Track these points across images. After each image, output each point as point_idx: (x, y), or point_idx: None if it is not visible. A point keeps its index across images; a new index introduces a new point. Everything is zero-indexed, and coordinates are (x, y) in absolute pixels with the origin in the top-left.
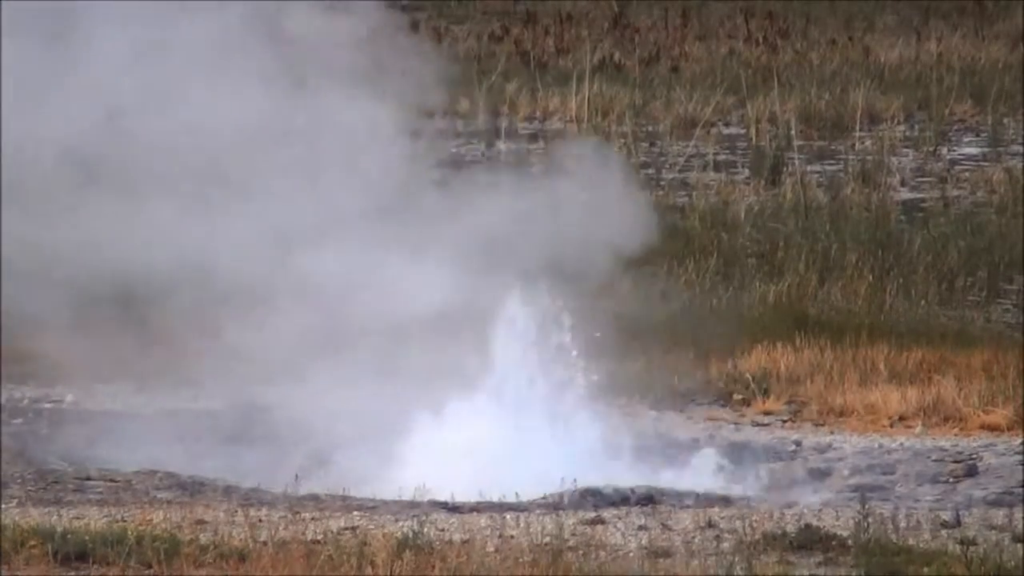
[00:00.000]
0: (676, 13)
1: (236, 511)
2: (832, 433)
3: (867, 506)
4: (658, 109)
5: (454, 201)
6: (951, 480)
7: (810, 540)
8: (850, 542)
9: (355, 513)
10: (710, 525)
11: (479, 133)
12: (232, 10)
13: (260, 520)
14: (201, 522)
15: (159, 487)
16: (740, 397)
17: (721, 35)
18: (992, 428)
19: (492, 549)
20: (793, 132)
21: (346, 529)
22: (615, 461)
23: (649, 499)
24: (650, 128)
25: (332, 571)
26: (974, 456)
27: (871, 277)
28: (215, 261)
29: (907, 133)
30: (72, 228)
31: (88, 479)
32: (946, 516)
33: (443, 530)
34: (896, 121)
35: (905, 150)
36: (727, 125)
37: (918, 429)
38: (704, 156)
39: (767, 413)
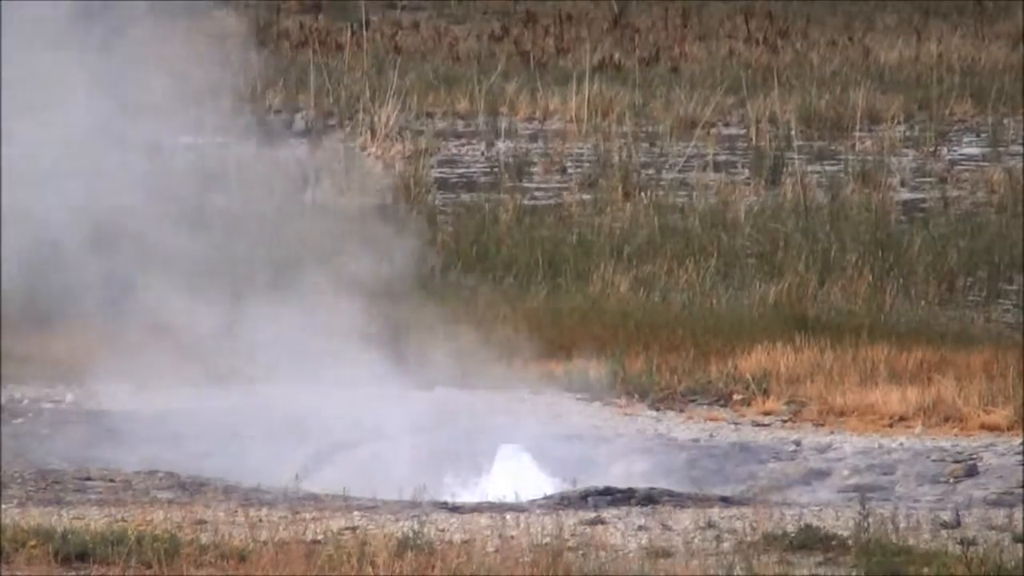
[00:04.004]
0: (676, 13)
1: (236, 511)
2: (832, 433)
3: (867, 506)
4: (658, 109)
5: None
6: (951, 480)
7: (810, 540)
8: (850, 542)
9: (355, 513)
10: (710, 525)
11: (479, 133)
12: None
13: (260, 520)
14: (201, 522)
15: (159, 487)
16: (740, 397)
17: (721, 35)
18: (992, 428)
19: (492, 549)
20: (793, 132)
21: (346, 529)
22: None
23: (649, 499)
24: (650, 128)
25: (332, 571)
26: (974, 456)
27: (871, 277)
28: None
29: (907, 133)
30: None
31: (88, 479)
32: (946, 516)
33: (443, 530)
34: (896, 121)
35: (905, 150)
36: (727, 125)
37: (918, 429)
38: (704, 156)
39: (767, 413)
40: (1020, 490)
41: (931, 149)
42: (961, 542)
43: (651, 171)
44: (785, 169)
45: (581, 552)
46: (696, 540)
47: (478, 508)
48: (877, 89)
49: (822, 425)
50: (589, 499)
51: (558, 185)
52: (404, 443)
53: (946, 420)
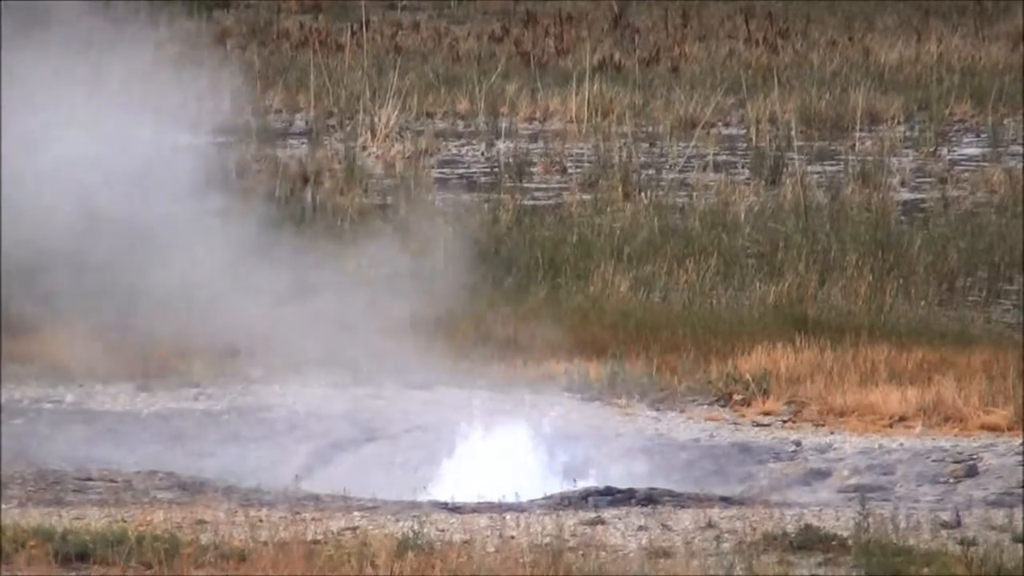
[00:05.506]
0: (676, 13)
1: (236, 511)
2: (832, 433)
3: (867, 506)
4: (658, 109)
5: None
6: (951, 480)
7: (810, 540)
8: (850, 542)
9: (355, 513)
10: (710, 525)
11: (479, 133)
12: None
13: (260, 520)
14: (201, 522)
15: (159, 487)
16: (740, 397)
17: (721, 35)
18: (992, 428)
19: (492, 549)
20: (793, 132)
21: (346, 529)
22: None
23: (649, 499)
24: (650, 128)
25: (332, 571)
26: (974, 456)
27: (871, 277)
28: None
29: (907, 133)
30: None
31: (88, 479)
32: (946, 516)
33: (443, 530)
34: (896, 121)
35: (905, 150)
36: (727, 125)
37: (918, 429)
38: (704, 156)
39: (767, 413)
40: (1020, 490)
41: (931, 149)
42: (961, 542)
43: (651, 171)
44: (785, 169)
45: (581, 552)
46: (696, 540)
47: (478, 508)
48: (877, 89)
49: (822, 425)
50: (589, 499)
51: (558, 185)
52: (403, 443)
53: (946, 420)
